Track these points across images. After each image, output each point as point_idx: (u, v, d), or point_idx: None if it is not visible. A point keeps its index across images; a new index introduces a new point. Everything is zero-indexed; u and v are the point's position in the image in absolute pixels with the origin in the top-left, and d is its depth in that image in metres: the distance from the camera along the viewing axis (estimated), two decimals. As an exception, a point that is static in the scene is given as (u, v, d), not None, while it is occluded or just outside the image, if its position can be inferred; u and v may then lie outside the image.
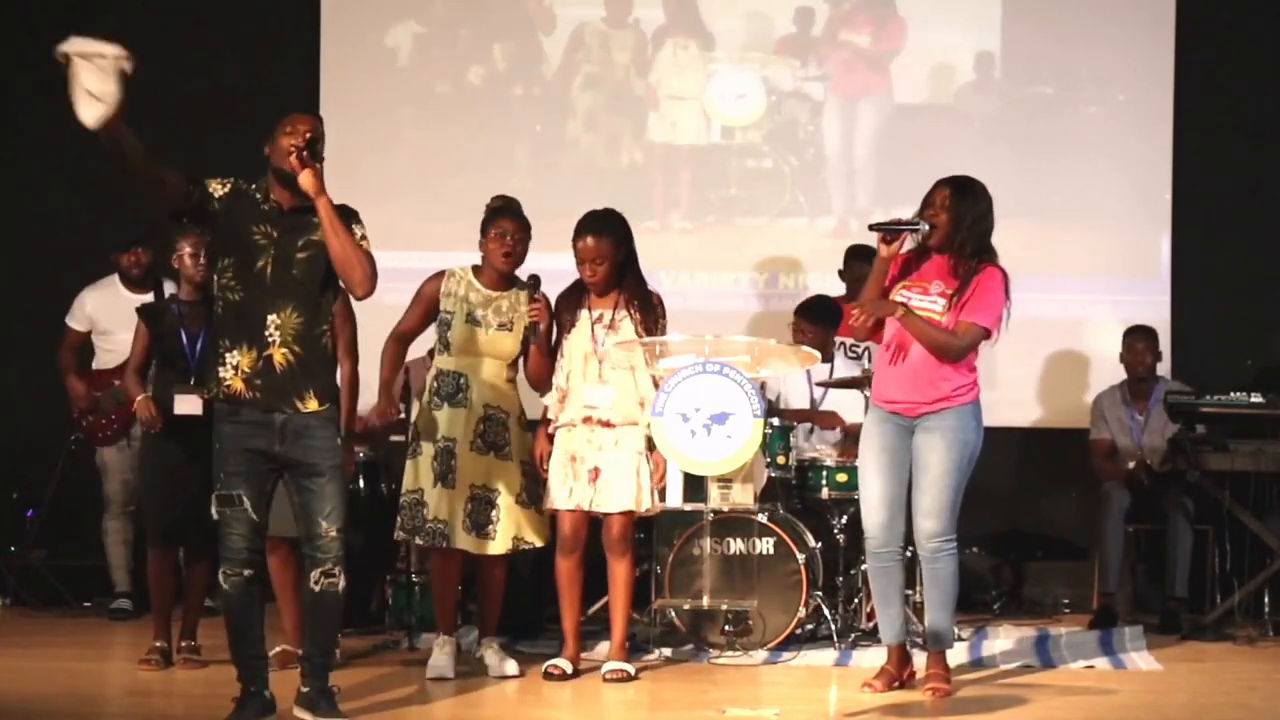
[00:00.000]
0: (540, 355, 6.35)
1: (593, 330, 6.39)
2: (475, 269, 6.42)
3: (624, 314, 6.38)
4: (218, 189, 5.30)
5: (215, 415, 5.33)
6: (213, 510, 5.29)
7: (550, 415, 6.42)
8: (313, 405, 5.28)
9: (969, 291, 5.88)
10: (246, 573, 5.28)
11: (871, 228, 5.99)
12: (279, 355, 5.26)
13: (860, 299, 6.03)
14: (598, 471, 6.33)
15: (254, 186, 5.34)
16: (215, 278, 5.38)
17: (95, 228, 8.51)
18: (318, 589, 5.30)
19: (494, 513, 6.29)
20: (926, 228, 5.93)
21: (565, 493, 6.34)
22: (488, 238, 6.36)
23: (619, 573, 6.37)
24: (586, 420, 6.34)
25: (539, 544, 6.42)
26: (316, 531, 5.29)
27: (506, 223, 6.35)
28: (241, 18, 9.01)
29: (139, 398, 6.56)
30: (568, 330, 6.42)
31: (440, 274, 6.42)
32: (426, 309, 6.40)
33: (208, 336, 6.48)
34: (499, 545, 6.30)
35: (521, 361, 6.42)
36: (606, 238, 6.33)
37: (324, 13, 9.00)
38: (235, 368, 5.26)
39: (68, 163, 9.01)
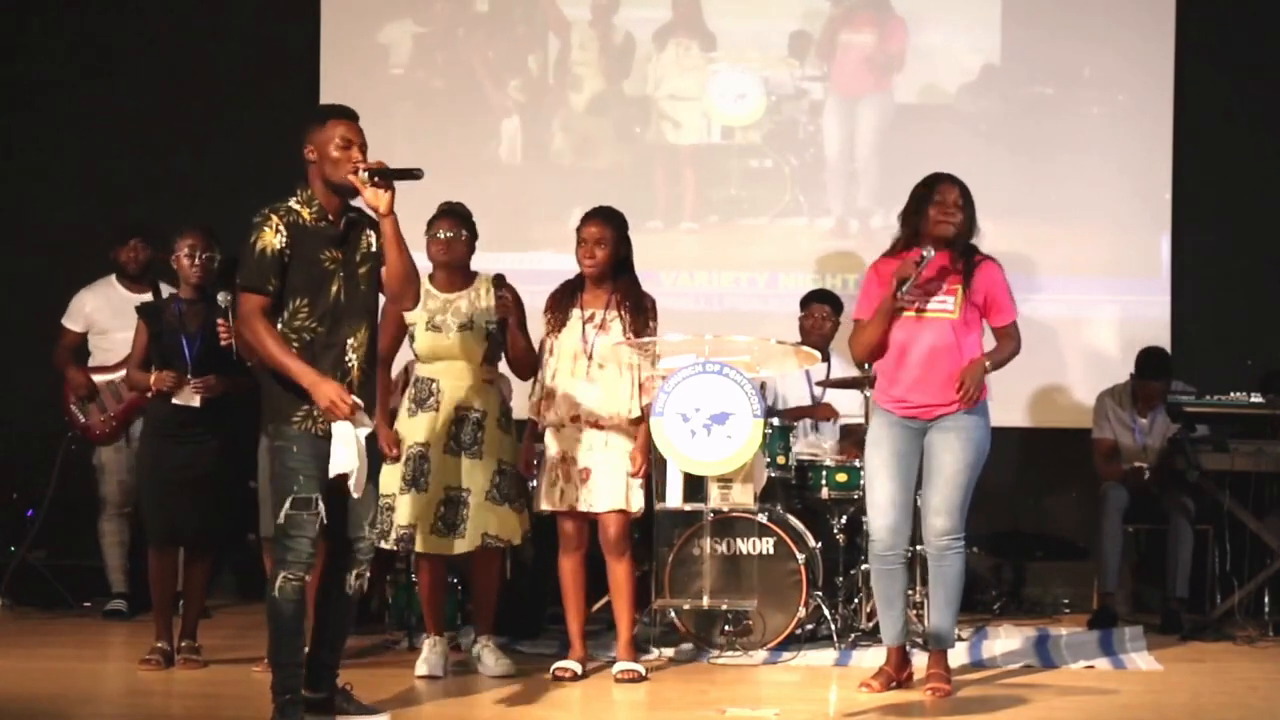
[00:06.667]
0: (517, 339, 6.35)
1: (583, 329, 6.39)
2: (429, 276, 6.43)
3: (615, 314, 6.39)
4: (276, 241, 5.14)
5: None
6: (282, 514, 5.13)
7: (533, 416, 6.43)
8: (374, 419, 5.31)
9: (978, 288, 5.94)
10: (308, 578, 5.19)
11: (896, 295, 5.88)
12: (357, 376, 5.23)
13: (861, 327, 6.03)
14: (588, 472, 6.32)
15: (297, 204, 5.23)
16: (284, 319, 5.18)
17: (93, 228, 8.50)
18: (349, 590, 5.32)
19: (464, 511, 6.30)
20: (933, 254, 5.92)
21: (556, 494, 6.35)
22: (428, 239, 6.40)
23: (619, 573, 6.37)
24: (575, 420, 6.35)
25: (515, 542, 6.42)
26: (359, 535, 5.31)
27: (442, 222, 6.40)
28: (241, 17, 9.00)
29: (152, 374, 6.55)
30: (557, 329, 6.43)
31: None
32: (398, 325, 6.39)
33: (206, 336, 6.50)
34: (466, 543, 6.30)
35: (504, 354, 6.43)
36: (608, 225, 6.38)
37: (324, 12, 9.00)
38: None
39: (64, 163, 9.03)
